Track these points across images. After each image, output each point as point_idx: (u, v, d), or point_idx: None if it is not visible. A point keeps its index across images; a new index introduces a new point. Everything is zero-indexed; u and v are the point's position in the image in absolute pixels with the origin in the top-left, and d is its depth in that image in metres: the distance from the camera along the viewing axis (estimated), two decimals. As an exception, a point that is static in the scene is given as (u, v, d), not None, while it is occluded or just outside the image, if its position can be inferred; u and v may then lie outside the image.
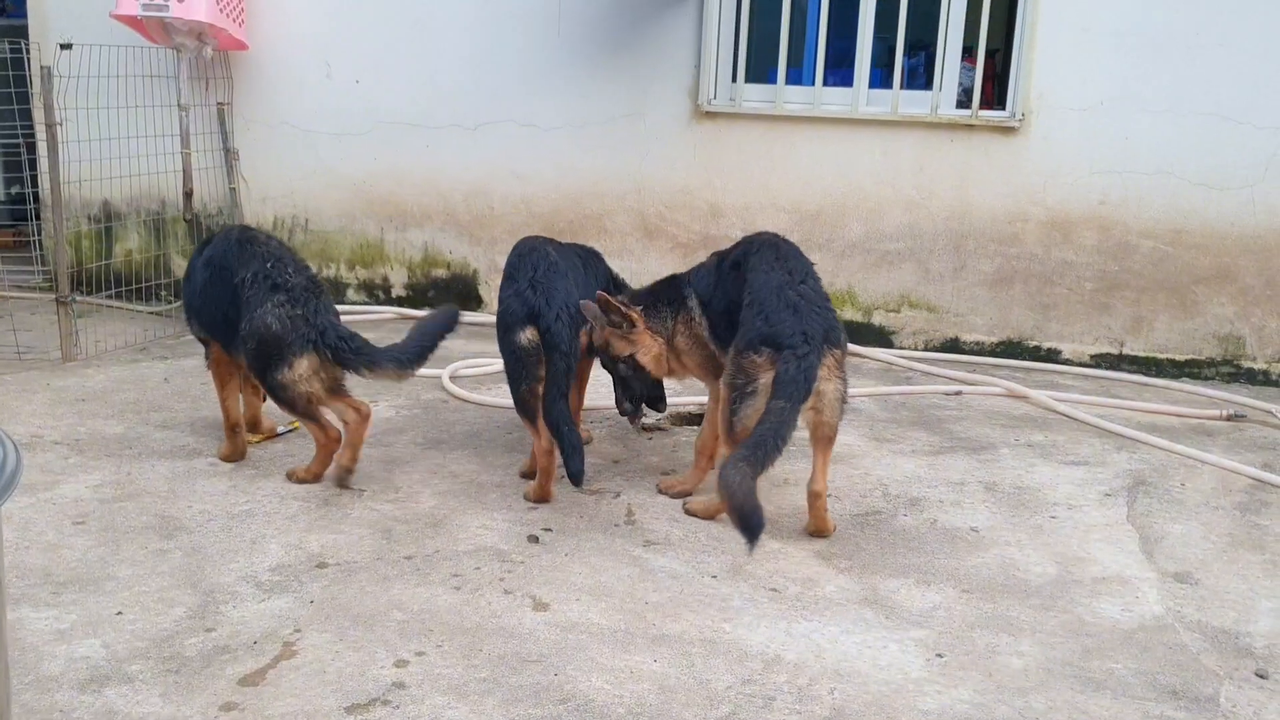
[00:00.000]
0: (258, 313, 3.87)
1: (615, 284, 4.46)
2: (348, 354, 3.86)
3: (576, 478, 3.71)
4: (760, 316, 3.53)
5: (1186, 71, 5.47)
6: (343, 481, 3.91)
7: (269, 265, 3.97)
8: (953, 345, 5.99)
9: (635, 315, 3.92)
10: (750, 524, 3.16)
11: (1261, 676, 2.86)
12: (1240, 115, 5.43)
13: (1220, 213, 5.55)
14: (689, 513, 3.79)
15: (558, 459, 3.77)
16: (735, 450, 3.36)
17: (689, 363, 3.99)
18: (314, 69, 6.38)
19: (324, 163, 6.47)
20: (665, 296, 4.01)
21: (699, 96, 5.97)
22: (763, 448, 3.29)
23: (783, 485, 4.05)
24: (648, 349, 3.97)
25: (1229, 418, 5.03)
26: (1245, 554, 3.62)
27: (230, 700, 2.61)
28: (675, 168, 6.12)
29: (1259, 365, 5.66)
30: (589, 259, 4.37)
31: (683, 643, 2.94)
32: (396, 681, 2.71)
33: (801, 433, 3.52)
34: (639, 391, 4.14)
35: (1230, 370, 5.69)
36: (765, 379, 3.46)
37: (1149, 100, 5.53)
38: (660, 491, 3.97)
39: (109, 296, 6.10)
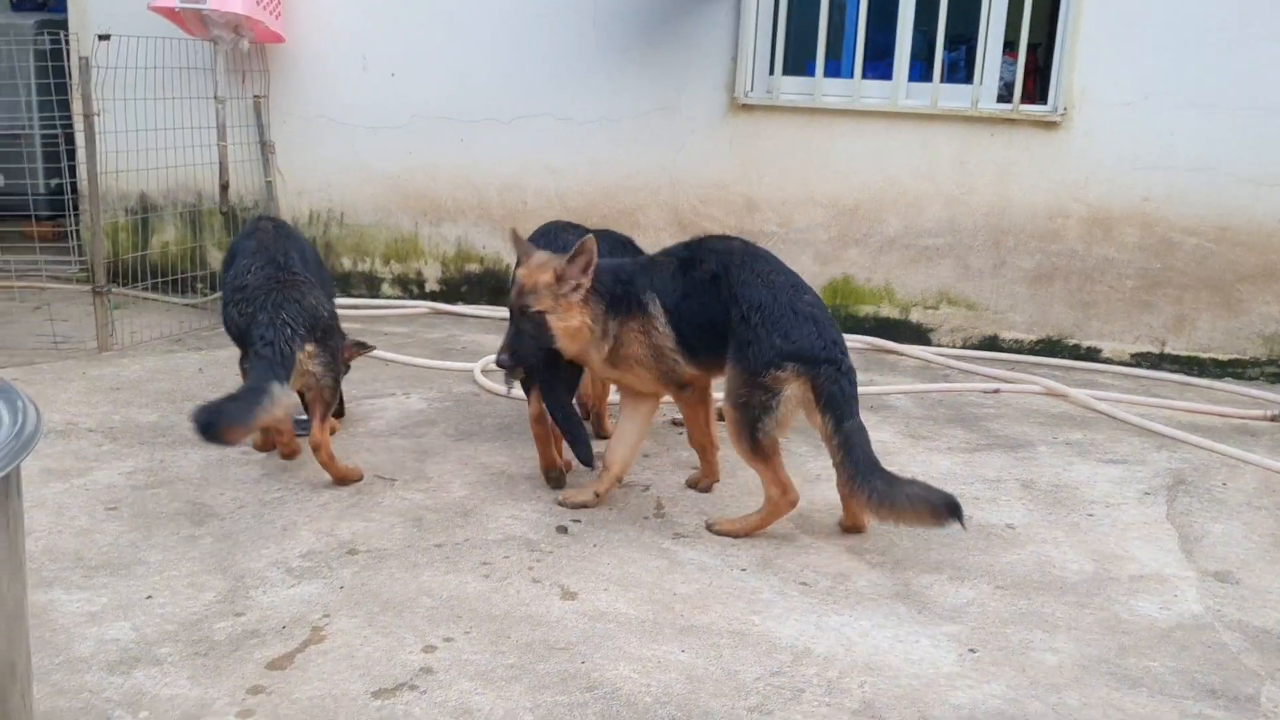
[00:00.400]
0: (226, 309, 3.92)
1: None
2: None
3: (584, 462, 3.75)
4: (778, 333, 3.39)
5: (1231, 66, 5.37)
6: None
7: (246, 260, 3.96)
8: (991, 343, 5.91)
9: (586, 282, 3.54)
10: (954, 509, 3.24)
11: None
12: (1286, 109, 5.33)
13: (1267, 209, 5.44)
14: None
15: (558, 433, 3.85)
16: (870, 476, 3.29)
17: (639, 372, 3.65)
18: (350, 62, 6.40)
19: (359, 157, 6.49)
20: (622, 291, 3.61)
21: (735, 89, 5.93)
22: (878, 467, 3.33)
23: (815, 481, 4.01)
24: (569, 319, 3.55)
25: (1274, 418, 4.92)
26: (1289, 554, 3.55)
27: (258, 684, 2.61)
28: (710, 161, 6.08)
29: (1305, 365, 5.55)
30: (618, 246, 4.35)
31: (711, 634, 2.91)
32: (424, 667, 2.70)
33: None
34: (530, 351, 3.63)
35: (1276, 370, 5.58)
36: (788, 391, 3.38)
37: (1193, 95, 5.43)
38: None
39: (145, 288, 6.15)
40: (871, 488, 3.26)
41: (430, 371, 5.13)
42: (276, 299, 3.73)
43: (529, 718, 2.51)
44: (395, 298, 6.59)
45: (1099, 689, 2.71)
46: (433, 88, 6.34)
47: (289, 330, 3.65)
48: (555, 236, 4.15)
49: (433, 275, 6.57)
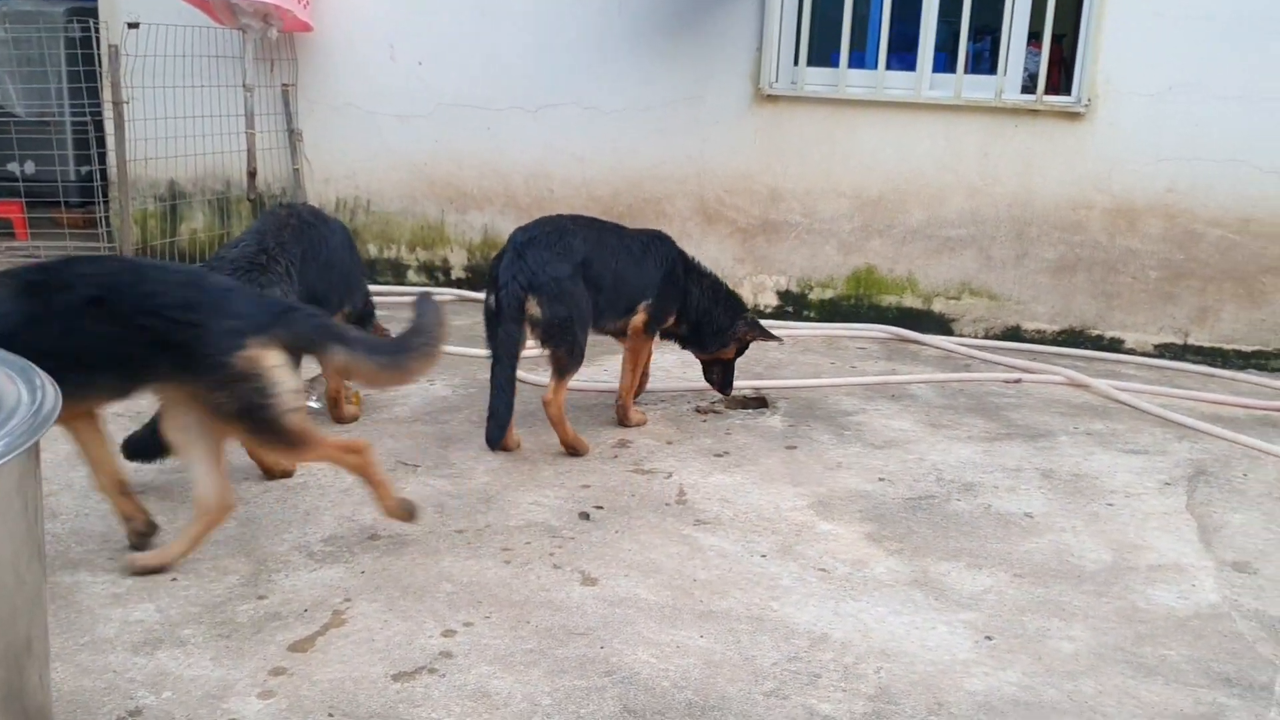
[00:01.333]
0: None
1: (688, 267, 4.47)
2: None
3: (489, 441, 4.02)
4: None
5: (1259, 58, 5.33)
6: None
7: (236, 241, 3.99)
8: (1014, 333, 5.91)
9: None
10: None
11: (1323, 667, 2.80)
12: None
13: (1292, 201, 5.41)
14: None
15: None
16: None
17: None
18: (378, 51, 6.45)
19: (386, 144, 6.54)
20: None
21: (760, 80, 5.94)
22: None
23: (835, 469, 4.03)
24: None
25: (1296, 410, 4.91)
26: (1309, 545, 3.55)
27: (280, 665, 2.66)
28: (735, 151, 6.09)
29: (1330, 358, 5.52)
30: (651, 243, 4.38)
31: (730, 619, 2.94)
32: (443, 650, 2.74)
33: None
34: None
35: (1301, 362, 5.56)
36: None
37: (1219, 87, 5.40)
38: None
39: (175, 274, 6.20)
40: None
41: (455, 358, 5.18)
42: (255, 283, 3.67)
43: (547, 701, 2.55)
44: (421, 285, 6.64)
45: (1114, 677, 2.73)
46: (459, 76, 6.37)
47: None
48: (530, 227, 4.14)
49: (459, 263, 6.62)
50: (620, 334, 4.38)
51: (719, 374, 4.61)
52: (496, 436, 4.00)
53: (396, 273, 6.67)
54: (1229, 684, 2.71)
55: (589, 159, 6.30)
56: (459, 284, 6.62)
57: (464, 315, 6.08)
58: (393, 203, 6.63)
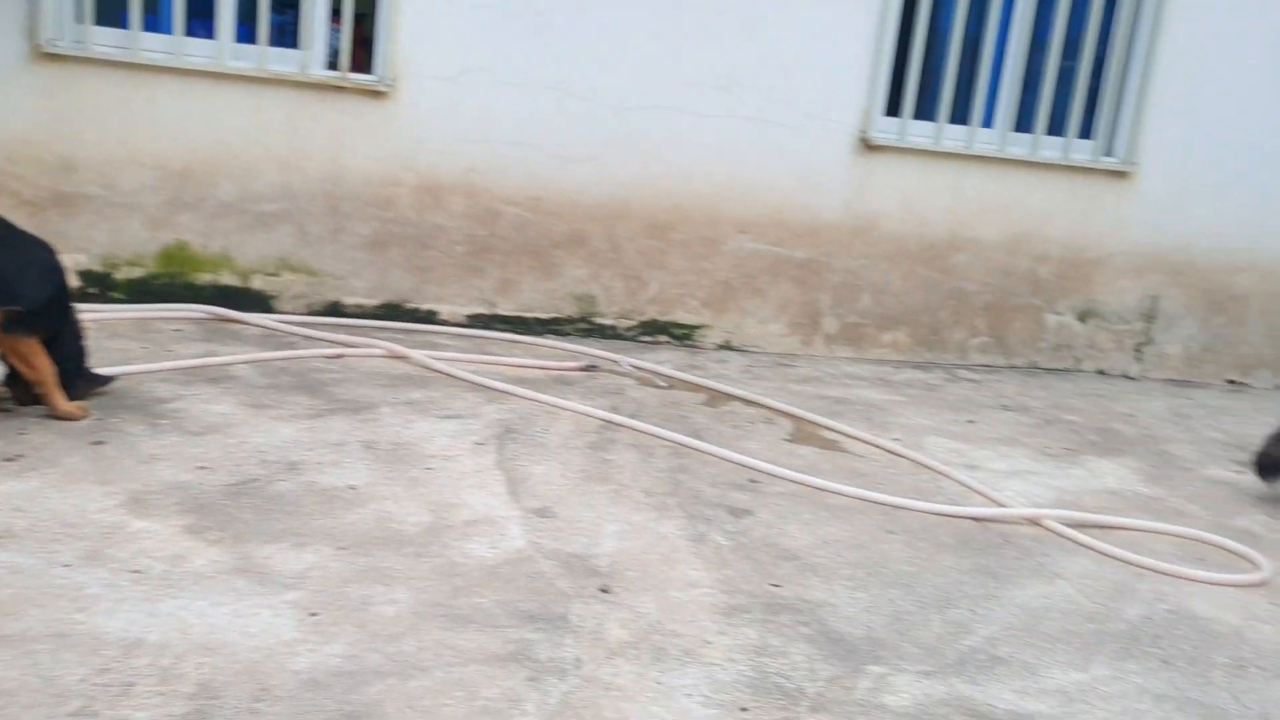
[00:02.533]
0: None
1: None
2: None
3: None
4: None
5: (537, 47, 5.88)
6: None
7: None
8: (335, 309, 5.97)
9: None
10: None
11: (605, 591, 3.19)
12: (584, 92, 5.96)
13: (572, 183, 6.06)
14: None
15: None
16: None
17: None
18: None
19: None
20: None
21: (38, 35, 5.33)
22: None
23: (150, 462, 3.78)
24: None
25: (585, 368, 5.54)
26: (595, 486, 4.02)
27: None
28: (15, 116, 5.42)
29: (608, 321, 6.29)
30: None
31: (26, 641, 2.63)
32: None
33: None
34: None
35: (586, 326, 6.27)
36: None
37: (505, 73, 5.87)
38: None
39: None
40: None
41: None
42: None
43: None
44: None
45: (434, 632, 2.88)
46: None
47: None
48: None
49: None
50: None
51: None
52: None
53: None
54: (533, 620, 2.99)
55: None
56: None
57: None
58: None
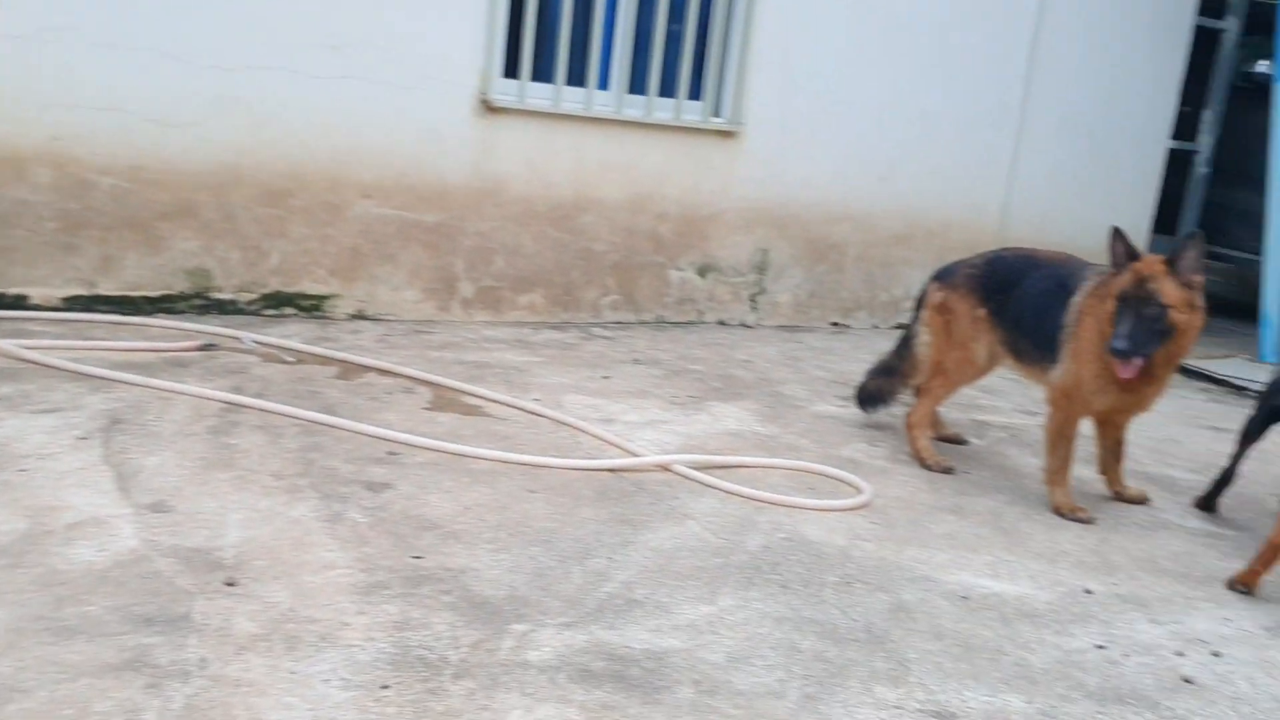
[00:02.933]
0: None
1: None
2: None
3: None
4: None
5: (126, 3, 5.40)
6: None
7: None
8: (-101, 299, 5.26)
9: None
10: None
11: (231, 585, 3.01)
12: (180, 52, 5.53)
13: (175, 150, 5.62)
14: None
15: None
16: None
17: None
18: None
19: None
20: None
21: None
22: None
23: None
24: None
25: (203, 348, 5.19)
26: (217, 474, 3.78)
27: None
28: None
29: (227, 295, 5.92)
30: None
31: None
32: None
33: None
34: None
35: (202, 303, 5.88)
36: None
37: (93, 33, 5.35)
38: None
39: None
40: None
41: None
42: None
43: None
44: None
45: (36, 648, 2.60)
46: None
47: None
48: None
49: None
50: None
51: None
52: None
53: None
54: (150, 623, 2.77)
55: None
56: None
57: None
58: None
